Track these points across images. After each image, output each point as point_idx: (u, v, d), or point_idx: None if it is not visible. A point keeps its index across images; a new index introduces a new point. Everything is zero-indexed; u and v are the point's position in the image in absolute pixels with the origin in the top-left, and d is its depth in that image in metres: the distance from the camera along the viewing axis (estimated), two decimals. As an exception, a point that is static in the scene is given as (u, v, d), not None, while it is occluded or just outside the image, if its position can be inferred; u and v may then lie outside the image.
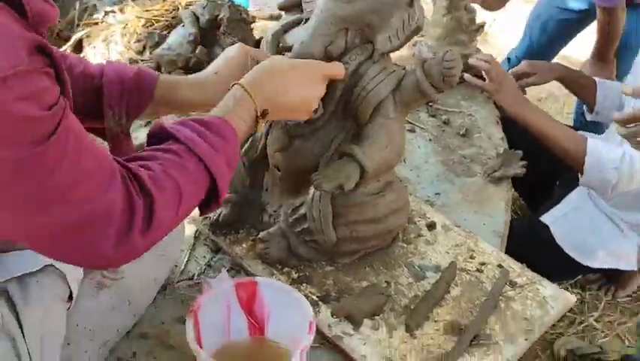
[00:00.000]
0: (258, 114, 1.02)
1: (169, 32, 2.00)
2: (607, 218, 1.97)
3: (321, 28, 1.19)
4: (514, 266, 1.37)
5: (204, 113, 0.99)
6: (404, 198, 1.32)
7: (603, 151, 1.78)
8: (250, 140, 1.37)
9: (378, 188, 1.27)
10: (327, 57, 1.19)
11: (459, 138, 1.82)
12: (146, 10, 2.08)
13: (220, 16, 1.75)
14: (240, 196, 1.40)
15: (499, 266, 1.36)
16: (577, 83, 2.14)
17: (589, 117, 2.14)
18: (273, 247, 1.31)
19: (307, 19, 1.28)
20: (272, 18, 2.26)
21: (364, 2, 1.17)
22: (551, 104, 3.42)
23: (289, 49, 1.26)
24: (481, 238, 1.44)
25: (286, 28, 1.32)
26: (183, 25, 1.78)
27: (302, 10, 1.35)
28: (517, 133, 1.88)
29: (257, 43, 1.86)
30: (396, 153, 1.25)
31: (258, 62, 1.10)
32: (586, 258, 1.98)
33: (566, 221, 1.97)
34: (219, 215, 1.39)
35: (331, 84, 1.17)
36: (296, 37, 1.26)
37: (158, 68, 1.76)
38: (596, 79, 2.10)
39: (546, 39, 2.74)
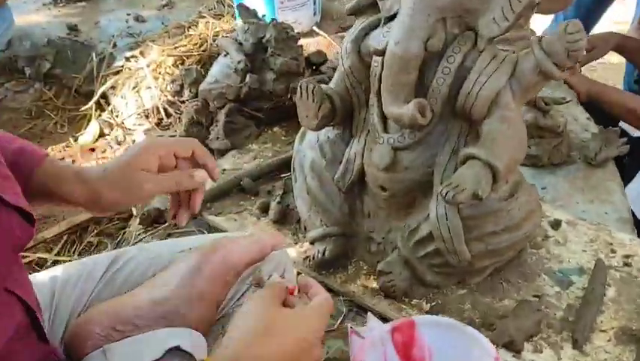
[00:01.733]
0: None
1: (203, 67, 1.85)
2: None
3: (416, 22, 1.04)
4: (662, 253, 1.22)
5: None
6: (535, 198, 1.16)
7: None
8: (344, 163, 1.21)
9: (509, 191, 1.11)
10: (429, 53, 1.05)
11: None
12: (174, 48, 1.93)
13: (266, 38, 1.60)
14: (342, 227, 1.24)
15: (647, 257, 1.21)
16: (636, 50, 2.00)
17: None
18: (396, 278, 1.15)
19: (389, 18, 1.13)
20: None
21: None
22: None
23: (377, 52, 1.11)
24: (612, 228, 1.28)
25: (366, 32, 1.17)
26: (225, 55, 1.63)
27: (377, 11, 1.20)
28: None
29: (307, 61, 1.71)
30: (523, 146, 1.10)
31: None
32: None
33: None
34: (324, 252, 1.23)
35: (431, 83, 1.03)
36: (381, 38, 1.11)
37: (206, 104, 1.61)
38: None
39: (591, 1, 2.59)
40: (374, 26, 1.17)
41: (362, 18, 1.21)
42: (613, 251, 1.22)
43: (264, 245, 0.99)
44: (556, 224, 1.29)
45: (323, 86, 1.19)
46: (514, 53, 1.09)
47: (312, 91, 1.16)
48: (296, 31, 2.04)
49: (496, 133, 1.05)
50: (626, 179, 1.85)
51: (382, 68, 1.09)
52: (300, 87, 1.17)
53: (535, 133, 1.48)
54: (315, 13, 2.14)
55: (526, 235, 1.14)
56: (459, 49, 1.06)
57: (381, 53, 1.10)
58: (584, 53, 1.06)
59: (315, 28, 2.13)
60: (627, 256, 1.21)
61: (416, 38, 1.04)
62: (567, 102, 1.58)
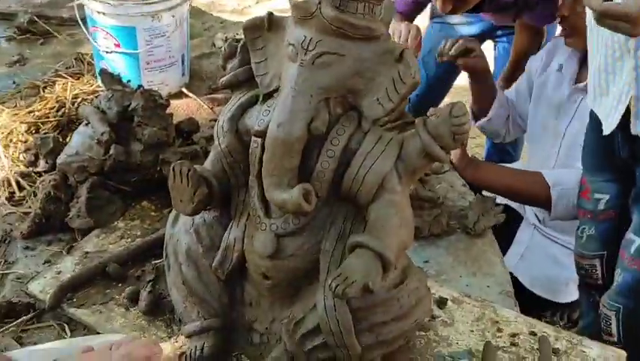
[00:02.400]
0: None
1: (61, 133, 1.70)
2: (561, 246, 1.90)
3: (299, 104, 0.98)
4: (546, 330, 1.21)
5: None
6: (425, 282, 1.12)
7: (564, 179, 1.70)
8: (222, 249, 1.12)
9: (397, 278, 1.06)
10: (312, 135, 0.99)
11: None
12: (29, 112, 1.76)
13: (132, 107, 1.48)
14: (222, 319, 1.14)
15: (532, 333, 1.20)
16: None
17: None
18: (282, 375, 1.07)
19: (268, 95, 1.07)
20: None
21: (344, 65, 0.99)
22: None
23: (256, 134, 1.04)
24: (495, 304, 1.27)
25: (244, 109, 1.10)
26: (87, 124, 1.49)
27: (255, 86, 1.13)
28: None
29: (177, 130, 1.61)
30: (410, 230, 1.05)
31: None
32: (556, 295, 1.89)
33: (524, 262, 1.89)
34: (202, 348, 1.12)
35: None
36: (260, 117, 1.05)
37: (65, 178, 1.46)
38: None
39: (442, 71, 2.68)
40: (252, 103, 1.11)
41: (239, 93, 1.14)
42: (499, 330, 1.20)
43: (133, 359, 0.89)
44: (442, 303, 1.26)
45: (198, 167, 1.10)
46: (399, 133, 1.07)
47: (187, 175, 1.06)
48: (164, 92, 1.95)
49: (385, 219, 1.01)
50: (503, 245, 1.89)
51: (262, 150, 1.03)
52: (174, 170, 1.07)
53: (415, 204, 1.46)
54: (183, 74, 2.04)
55: (417, 321, 1.09)
56: (343, 130, 1.01)
57: (262, 134, 1.03)
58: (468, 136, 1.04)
59: (184, 89, 2.03)
60: (513, 335, 1.20)
61: (299, 121, 0.98)
62: (446, 172, 1.58)
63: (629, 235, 1.48)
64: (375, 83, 1.00)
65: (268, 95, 1.07)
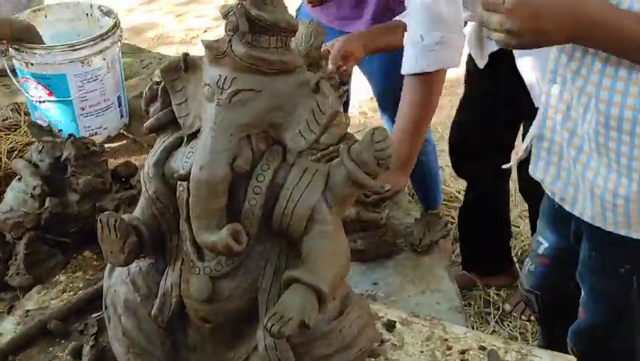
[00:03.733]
0: None
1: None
2: None
3: (219, 144, 0.98)
4: (495, 343, 1.21)
5: None
6: (367, 310, 1.11)
7: None
8: (160, 296, 1.10)
9: (337, 308, 1.06)
10: (236, 174, 0.98)
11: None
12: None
13: (64, 157, 1.46)
14: (167, 367, 1.12)
15: (481, 348, 1.20)
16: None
17: None
18: (230, 420, 1.05)
19: (191, 135, 1.06)
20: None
21: (261, 100, 0.99)
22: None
23: (180, 178, 1.03)
24: (445, 321, 1.27)
25: (169, 152, 1.09)
26: (19, 179, 1.47)
27: (179, 127, 1.11)
28: None
29: (114, 175, 1.59)
30: (346, 259, 1.05)
31: None
32: None
33: None
34: (149, 400, 1.10)
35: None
36: (184, 160, 1.04)
37: (1, 236, 1.43)
38: None
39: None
40: (177, 145, 1.09)
41: (163, 136, 1.13)
42: (449, 348, 1.20)
43: None
44: (390, 326, 1.25)
45: (126, 216, 1.09)
46: (326, 164, 1.06)
47: (115, 226, 1.04)
48: (104, 136, 1.93)
49: (317, 251, 1.00)
50: None
51: (189, 194, 1.01)
52: (101, 222, 1.05)
53: (360, 227, 1.46)
54: (122, 116, 2.02)
55: (362, 350, 1.08)
56: (267, 166, 1.01)
57: (185, 177, 1.02)
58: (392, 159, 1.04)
59: (123, 131, 2.01)
60: (463, 352, 1.19)
61: (221, 161, 0.97)
62: (387, 191, 1.57)
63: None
64: (295, 116, 1.00)
65: (192, 136, 1.06)
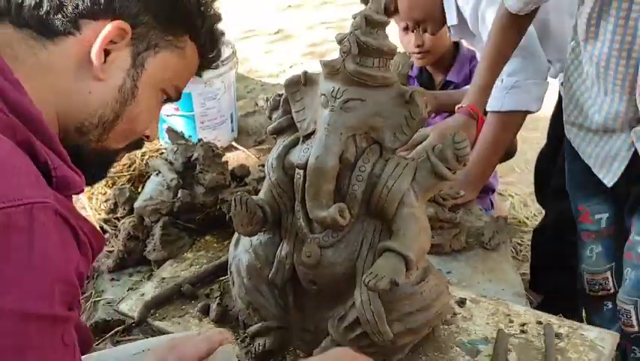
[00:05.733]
0: None
1: (133, 185, 2.00)
2: None
3: (332, 140, 1.24)
4: (551, 319, 1.43)
5: None
6: (443, 280, 1.36)
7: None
8: (276, 263, 1.38)
9: (419, 276, 1.31)
10: (343, 165, 1.25)
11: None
12: (105, 170, 2.07)
13: (194, 157, 1.78)
14: (279, 321, 1.39)
15: (539, 323, 1.42)
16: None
17: None
18: (330, 360, 1.30)
19: (306, 136, 1.34)
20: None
21: (365, 108, 1.24)
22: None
23: (299, 166, 1.30)
24: (508, 302, 1.50)
25: (288, 149, 1.37)
26: (158, 173, 1.79)
27: (295, 130, 1.40)
28: None
29: (232, 174, 1.89)
30: (428, 237, 1.30)
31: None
32: None
33: None
34: (264, 345, 1.37)
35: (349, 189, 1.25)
36: (301, 154, 1.31)
37: (141, 220, 1.75)
38: None
39: None
40: (294, 144, 1.37)
41: (282, 137, 1.41)
42: (511, 321, 1.43)
43: (212, 341, 1.14)
44: (461, 302, 1.49)
45: (254, 197, 1.37)
46: (413, 160, 1.32)
47: (245, 203, 1.33)
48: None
49: (406, 228, 1.25)
50: None
51: (304, 179, 1.29)
52: (235, 200, 1.34)
53: (437, 225, 1.70)
54: (232, 130, 2.35)
55: (438, 312, 1.33)
56: (368, 159, 1.27)
57: (303, 166, 1.29)
58: (469, 158, 1.29)
59: (233, 143, 2.33)
60: (523, 325, 1.42)
61: (332, 154, 1.24)
62: (461, 196, 1.82)
63: (634, 237, 1.67)
64: (392, 121, 1.25)
65: (306, 137, 1.33)
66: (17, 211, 0.74)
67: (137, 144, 1.12)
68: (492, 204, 2.61)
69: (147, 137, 1.12)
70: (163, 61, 1.03)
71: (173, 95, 1.10)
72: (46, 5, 0.93)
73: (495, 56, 1.89)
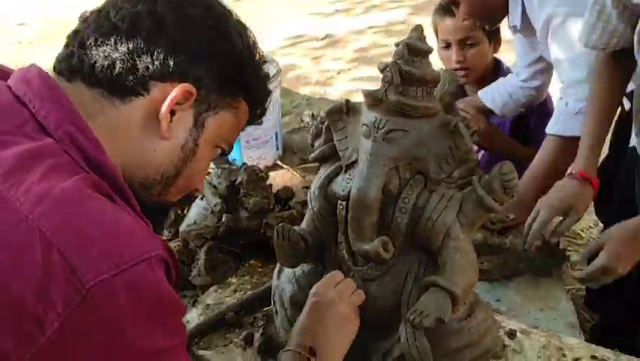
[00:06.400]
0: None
1: (179, 208, 2.01)
2: None
3: (374, 171, 1.21)
4: (606, 353, 1.37)
5: None
6: (491, 315, 1.32)
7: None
8: (319, 294, 1.35)
9: (466, 311, 1.27)
10: (386, 196, 1.22)
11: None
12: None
13: (238, 181, 1.77)
14: (322, 354, 1.37)
15: (593, 358, 1.36)
16: None
17: None
18: (375, 396, 1.28)
19: (348, 166, 1.31)
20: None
21: (408, 139, 1.21)
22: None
23: (341, 197, 1.28)
24: (561, 334, 1.44)
25: (330, 178, 1.35)
26: (202, 198, 1.79)
27: (338, 158, 1.37)
28: None
29: (276, 197, 1.88)
30: (475, 271, 1.26)
31: None
32: None
33: None
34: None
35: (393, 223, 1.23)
36: (344, 184, 1.29)
37: (186, 244, 1.75)
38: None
39: None
40: (337, 173, 1.35)
41: (325, 165, 1.39)
42: (564, 355, 1.37)
43: None
44: (511, 334, 1.44)
45: (296, 228, 1.36)
46: (459, 191, 1.28)
47: (288, 234, 1.32)
48: (261, 165, 2.24)
49: (452, 262, 1.22)
50: None
51: (347, 211, 1.26)
52: (277, 231, 1.33)
53: (486, 250, 1.66)
54: (277, 149, 2.34)
55: (487, 348, 1.29)
56: (412, 191, 1.24)
57: (345, 197, 1.27)
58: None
59: (278, 162, 2.32)
60: (576, 359, 1.36)
61: (374, 185, 1.21)
62: (512, 219, 1.77)
63: None
64: (436, 151, 1.22)
65: (350, 166, 1.31)
66: (142, 267, 0.83)
67: (189, 196, 1.19)
68: None
69: (197, 190, 1.20)
70: (221, 120, 1.09)
71: (226, 150, 1.17)
72: (118, 67, 0.97)
73: (600, 108, 1.78)
